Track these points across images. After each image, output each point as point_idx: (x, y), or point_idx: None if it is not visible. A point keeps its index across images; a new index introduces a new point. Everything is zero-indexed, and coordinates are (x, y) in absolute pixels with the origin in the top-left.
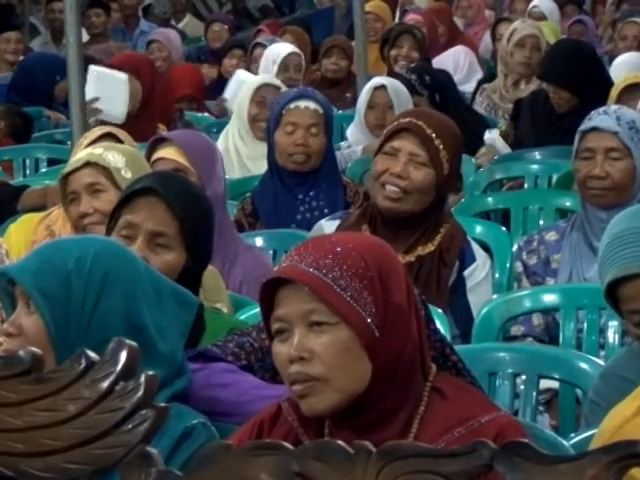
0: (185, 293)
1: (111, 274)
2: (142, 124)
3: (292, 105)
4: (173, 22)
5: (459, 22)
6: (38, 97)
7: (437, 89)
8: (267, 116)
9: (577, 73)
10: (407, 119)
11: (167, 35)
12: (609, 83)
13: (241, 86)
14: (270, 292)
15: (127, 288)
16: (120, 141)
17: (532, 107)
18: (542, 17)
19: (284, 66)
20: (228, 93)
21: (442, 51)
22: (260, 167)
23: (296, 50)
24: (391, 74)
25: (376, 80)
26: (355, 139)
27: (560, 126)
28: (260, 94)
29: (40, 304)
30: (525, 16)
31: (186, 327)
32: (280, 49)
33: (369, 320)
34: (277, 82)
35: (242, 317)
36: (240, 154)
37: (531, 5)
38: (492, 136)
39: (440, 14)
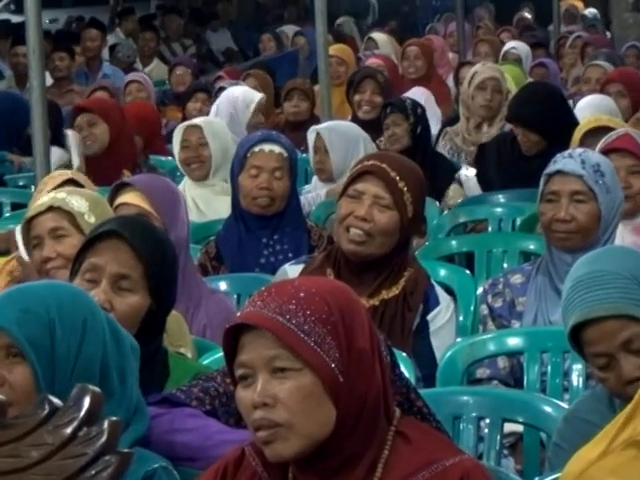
0: (130, 337)
1: (88, 320)
2: (108, 168)
3: (256, 148)
4: (137, 66)
5: None
6: (10, 138)
7: (422, 124)
8: (192, 157)
9: (546, 116)
10: (371, 162)
11: (144, 77)
12: (576, 126)
13: None
14: (233, 337)
15: (100, 333)
16: (80, 186)
17: (499, 149)
18: (518, 59)
19: (257, 110)
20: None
21: (410, 87)
22: (215, 208)
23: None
24: (355, 119)
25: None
26: (314, 184)
27: (527, 169)
28: (184, 137)
29: (30, 354)
30: (488, 59)
31: (137, 370)
32: (253, 94)
33: (333, 365)
34: (197, 122)
35: (206, 362)
36: (193, 198)
37: (509, 46)
38: (467, 173)
39: (424, 48)
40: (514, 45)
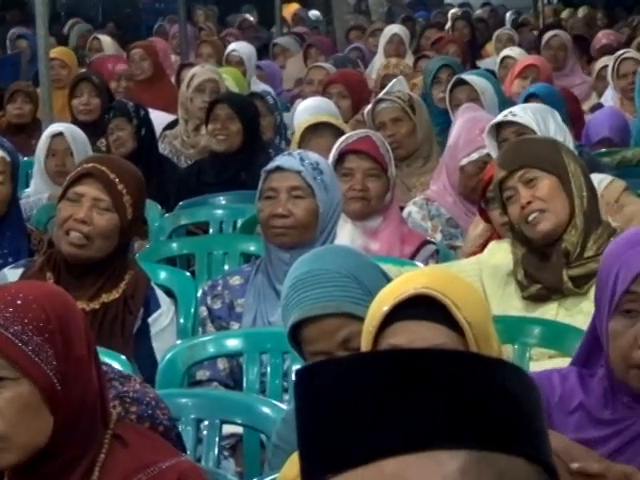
0: None
1: None
2: None
3: None
4: None
5: None
6: None
7: (146, 126)
8: None
9: (251, 110)
10: (90, 164)
11: None
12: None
13: None
14: None
15: None
16: None
17: (200, 173)
18: (240, 62)
19: None
20: None
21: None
22: None
23: None
24: (75, 122)
25: (54, 127)
26: (36, 188)
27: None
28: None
29: None
30: (210, 61)
31: None
32: None
33: (51, 374)
34: None
35: None
36: None
37: (230, 49)
38: None
39: (149, 49)
40: (234, 47)
